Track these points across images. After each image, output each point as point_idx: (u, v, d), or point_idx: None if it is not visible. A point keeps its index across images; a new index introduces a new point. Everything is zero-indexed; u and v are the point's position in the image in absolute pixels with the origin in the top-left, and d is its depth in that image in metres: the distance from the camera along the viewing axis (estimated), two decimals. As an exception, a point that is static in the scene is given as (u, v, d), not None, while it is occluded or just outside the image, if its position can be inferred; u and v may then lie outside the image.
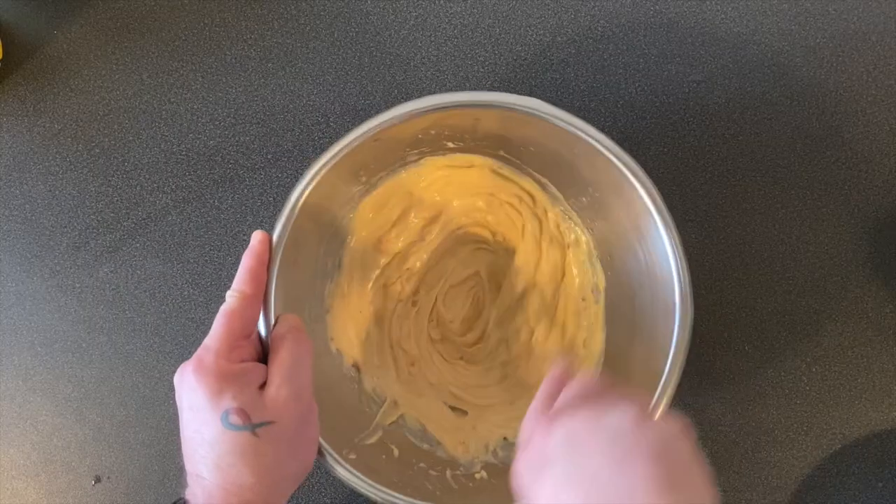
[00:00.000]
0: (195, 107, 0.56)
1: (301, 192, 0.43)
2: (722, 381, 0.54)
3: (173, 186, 0.56)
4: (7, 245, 0.55)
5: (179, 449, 0.39)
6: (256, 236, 0.42)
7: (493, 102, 0.44)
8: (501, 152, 0.50)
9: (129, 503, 0.54)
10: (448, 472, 0.47)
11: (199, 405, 0.37)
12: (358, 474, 0.42)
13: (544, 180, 0.51)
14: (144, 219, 0.56)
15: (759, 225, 0.55)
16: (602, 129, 0.43)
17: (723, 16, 0.57)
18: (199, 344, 0.38)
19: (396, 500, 0.42)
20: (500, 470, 0.48)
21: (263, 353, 0.41)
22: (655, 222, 0.43)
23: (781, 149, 0.56)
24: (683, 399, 0.53)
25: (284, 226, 0.43)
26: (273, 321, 0.42)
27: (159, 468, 0.54)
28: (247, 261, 0.41)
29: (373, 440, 0.48)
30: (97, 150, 0.56)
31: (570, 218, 0.52)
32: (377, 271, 0.52)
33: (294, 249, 0.44)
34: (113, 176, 0.56)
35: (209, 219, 0.56)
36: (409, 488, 0.43)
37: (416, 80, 0.56)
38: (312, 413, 0.41)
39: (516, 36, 0.57)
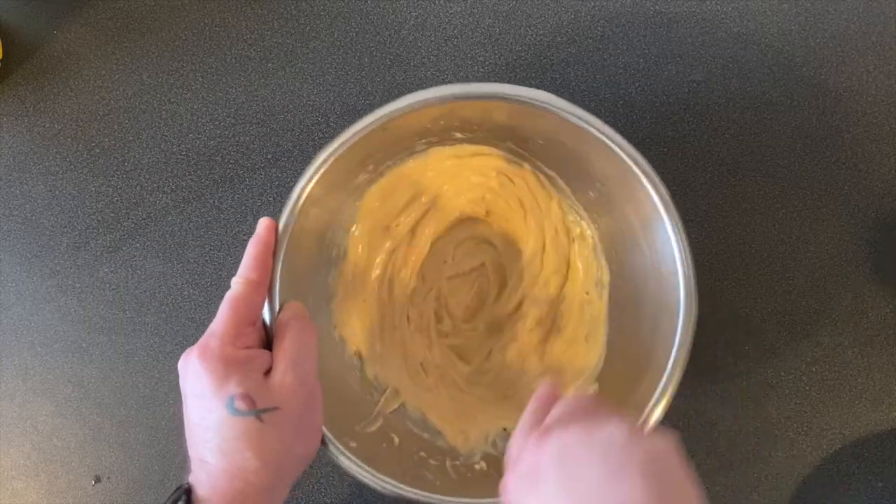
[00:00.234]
0: (195, 107, 0.56)
1: (308, 180, 0.43)
2: (722, 381, 0.54)
3: (173, 186, 0.56)
4: (7, 245, 0.55)
5: (182, 437, 0.39)
6: (262, 223, 0.42)
7: (507, 95, 0.44)
8: (510, 144, 0.50)
9: (129, 503, 0.54)
10: (448, 462, 0.48)
11: (203, 391, 0.37)
12: (359, 462, 0.43)
13: (552, 173, 0.51)
14: (144, 219, 0.56)
15: (759, 225, 0.55)
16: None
17: (723, 16, 0.57)
18: (200, 342, 0.38)
19: (396, 490, 0.42)
20: (500, 461, 0.48)
21: (268, 341, 0.41)
22: (663, 219, 0.43)
23: (781, 149, 0.56)
24: (683, 399, 0.53)
25: (291, 213, 0.43)
26: (277, 308, 0.42)
27: (159, 468, 0.54)
28: (252, 248, 0.41)
29: (374, 428, 0.48)
30: (97, 150, 0.56)
31: (576, 212, 0.52)
32: (382, 260, 0.52)
33: (300, 237, 0.44)
34: (113, 176, 0.56)
35: (209, 219, 0.56)
36: (408, 477, 0.43)
37: (416, 80, 0.56)
38: (317, 399, 0.41)
39: (516, 36, 0.57)
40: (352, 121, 0.44)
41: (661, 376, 0.42)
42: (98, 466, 0.54)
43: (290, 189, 0.43)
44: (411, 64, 0.56)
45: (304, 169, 0.44)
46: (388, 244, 0.52)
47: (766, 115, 0.56)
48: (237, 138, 0.56)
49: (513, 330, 0.53)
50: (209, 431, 0.37)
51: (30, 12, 0.57)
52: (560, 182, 0.51)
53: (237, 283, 0.40)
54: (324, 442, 0.42)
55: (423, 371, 0.52)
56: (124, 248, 0.55)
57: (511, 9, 0.57)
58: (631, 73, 0.56)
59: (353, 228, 0.51)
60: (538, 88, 0.56)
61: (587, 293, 0.52)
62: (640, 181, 0.43)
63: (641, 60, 0.56)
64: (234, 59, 0.57)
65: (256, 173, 0.56)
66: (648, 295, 0.47)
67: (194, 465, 0.38)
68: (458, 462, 0.48)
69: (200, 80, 0.57)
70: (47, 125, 0.56)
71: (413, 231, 0.53)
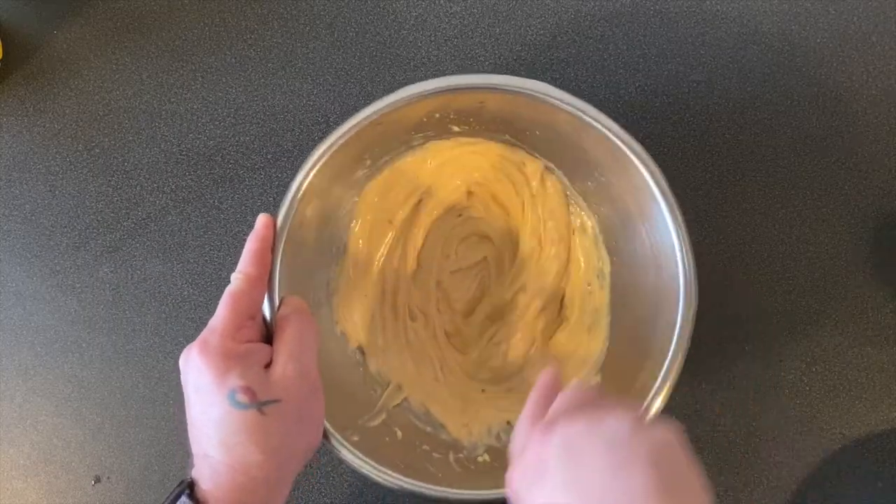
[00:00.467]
0: (195, 107, 0.56)
1: (305, 174, 0.43)
2: (722, 381, 0.54)
3: (173, 186, 0.56)
4: (7, 245, 0.55)
5: (183, 435, 0.39)
6: (261, 219, 0.43)
7: (500, 85, 0.44)
8: (507, 136, 0.50)
9: (129, 503, 0.54)
10: (451, 455, 0.48)
11: (205, 385, 0.37)
12: (361, 456, 0.43)
13: (550, 164, 0.51)
14: (144, 219, 0.56)
15: (759, 225, 0.55)
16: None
17: (723, 16, 0.57)
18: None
19: (399, 483, 0.42)
20: (504, 454, 0.48)
21: (268, 335, 0.41)
22: (660, 207, 0.43)
23: (781, 149, 0.56)
24: (683, 399, 0.54)
25: (289, 209, 0.43)
26: (277, 303, 0.42)
27: (159, 468, 0.54)
28: (251, 244, 0.42)
29: (376, 422, 0.48)
30: (97, 150, 0.56)
31: (575, 203, 0.52)
32: (383, 254, 0.52)
33: (299, 232, 0.44)
34: (113, 176, 0.56)
35: (209, 219, 0.56)
36: (411, 471, 0.43)
37: (416, 80, 0.56)
38: (318, 392, 0.41)
39: (516, 36, 0.57)
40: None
41: (663, 364, 0.42)
42: (98, 466, 0.54)
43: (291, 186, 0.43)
44: (411, 64, 0.56)
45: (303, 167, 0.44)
46: (388, 239, 0.52)
47: (766, 115, 0.56)
48: (237, 138, 0.56)
49: (514, 322, 0.53)
50: (211, 425, 0.37)
51: (30, 12, 0.57)
52: (558, 173, 0.51)
53: (236, 277, 0.40)
54: (326, 436, 0.42)
55: (426, 364, 0.52)
56: (124, 248, 0.55)
57: (511, 8, 0.57)
58: (631, 73, 0.56)
59: (353, 223, 0.51)
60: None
61: (588, 284, 0.52)
62: (636, 168, 0.43)
63: (641, 60, 0.56)
64: (234, 59, 0.57)
65: (256, 173, 0.56)
66: (649, 283, 0.47)
67: (197, 459, 0.38)
68: (461, 455, 0.48)
69: (200, 80, 0.57)
70: (47, 125, 0.56)
71: (414, 225, 0.53)
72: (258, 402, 0.37)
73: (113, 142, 0.56)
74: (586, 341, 0.52)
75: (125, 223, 0.56)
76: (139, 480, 0.54)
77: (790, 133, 0.56)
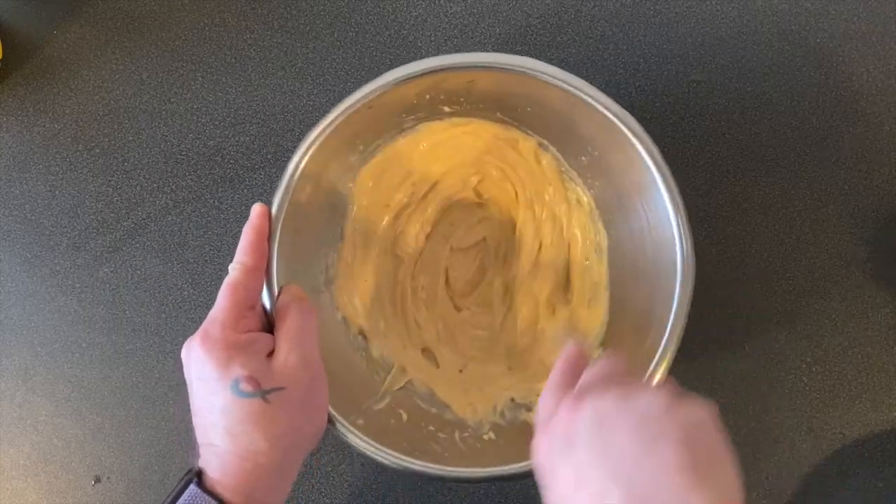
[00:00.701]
0: (195, 107, 0.56)
1: (298, 161, 0.44)
2: (722, 381, 0.54)
3: (173, 186, 0.56)
4: (7, 245, 0.55)
5: (181, 434, 0.39)
6: (255, 209, 0.43)
7: (488, 63, 0.44)
8: (498, 114, 0.50)
9: (129, 503, 0.54)
10: (457, 434, 0.48)
11: (207, 376, 0.37)
12: (367, 439, 0.43)
13: (544, 141, 0.51)
14: (144, 219, 0.56)
15: (759, 225, 0.55)
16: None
17: (723, 16, 0.57)
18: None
19: (406, 464, 0.43)
20: (508, 430, 0.49)
21: (268, 325, 0.42)
22: (654, 178, 0.43)
23: (781, 149, 0.56)
24: (683, 399, 0.54)
25: (283, 196, 0.43)
26: (276, 293, 0.42)
27: (159, 468, 0.54)
28: (247, 234, 0.42)
29: (381, 406, 0.48)
30: (97, 150, 0.56)
31: (570, 178, 0.52)
32: (380, 238, 0.52)
33: (294, 220, 0.44)
34: (113, 176, 0.56)
35: (209, 219, 0.56)
36: (417, 451, 0.43)
37: (416, 80, 0.56)
38: (321, 379, 0.41)
39: (516, 37, 0.57)
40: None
41: (663, 337, 0.42)
42: (98, 466, 0.54)
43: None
44: (411, 64, 0.56)
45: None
46: (385, 223, 0.52)
47: (765, 115, 0.56)
48: (237, 138, 0.56)
49: (516, 300, 0.53)
50: (216, 415, 0.37)
51: (30, 12, 0.57)
52: (552, 149, 0.51)
53: (234, 268, 0.41)
54: (331, 420, 0.42)
55: (429, 344, 0.52)
56: (124, 248, 0.55)
57: (510, 9, 0.57)
58: (630, 73, 0.56)
59: (350, 209, 0.51)
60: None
61: (587, 259, 0.52)
62: (629, 141, 0.43)
63: (641, 60, 0.56)
64: (234, 59, 0.57)
65: (256, 173, 0.56)
66: (647, 256, 0.47)
67: (202, 449, 0.38)
68: (466, 434, 0.48)
69: (200, 80, 0.57)
70: (47, 125, 0.56)
71: (411, 207, 0.53)
72: (262, 390, 0.37)
73: (113, 142, 0.56)
74: (586, 316, 0.52)
75: (125, 223, 0.56)
76: (139, 480, 0.54)
77: (790, 133, 0.56)
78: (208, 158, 0.56)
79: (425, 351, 0.52)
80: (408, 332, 0.52)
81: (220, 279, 0.55)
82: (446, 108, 0.50)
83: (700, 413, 0.32)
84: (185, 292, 0.55)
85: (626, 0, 0.57)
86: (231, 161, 0.56)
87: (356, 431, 0.43)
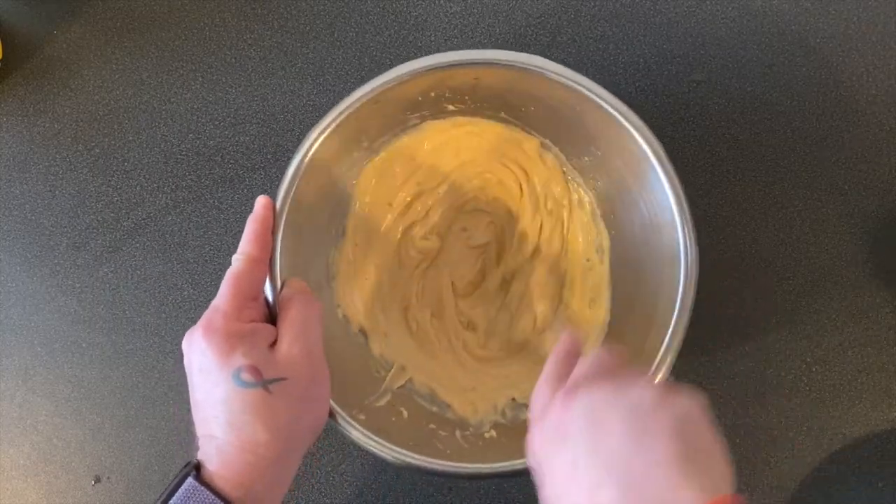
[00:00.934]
0: (195, 107, 0.56)
1: (303, 156, 0.44)
2: (722, 380, 0.54)
3: (173, 186, 0.56)
4: (7, 245, 0.55)
5: (184, 432, 0.39)
6: (260, 201, 0.42)
7: (494, 60, 0.44)
8: (502, 113, 0.50)
9: (129, 503, 0.54)
10: (458, 433, 0.48)
11: (209, 366, 0.37)
12: (369, 434, 0.43)
13: (546, 141, 0.51)
14: (144, 219, 0.56)
15: (759, 225, 0.55)
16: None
17: (723, 16, 0.57)
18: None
19: (407, 459, 0.42)
20: (509, 429, 0.49)
21: (270, 318, 0.42)
22: (657, 173, 0.43)
23: (781, 149, 0.56)
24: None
25: (287, 190, 0.43)
26: (279, 286, 0.42)
27: (159, 468, 0.54)
28: (251, 225, 0.42)
29: (382, 403, 0.48)
30: (97, 150, 0.56)
31: (572, 178, 0.52)
32: (382, 237, 0.52)
33: (298, 215, 0.44)
34: (113, 176, 0.56)
35: (209, 219, 0.56)
36: (419, 448, 0.43)
37: (416, 80, 0.56)
38: (324, 372, 0.41)
39: (516, 37, 0.57)
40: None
41: (666, 335, 0.42)
42: (98, 466, 0.54)
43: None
44: (411, 64, 0.56)
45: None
46: (387, 220, 0.52)
47: (766, 115, 0.56)
48: (237, 138, 0.56)
49: (518, 300, 0.53)
50: (217, 406, 0.37)
51: (30, 12, 0.57)
52: (555, 149, 0.51)
53: (237, 259, 0.40)
54: (332, 415, 0.42)
55: (429, 344, 0.52)
56: (124, 248, 0.55)
57: (511, 8, 0.57)
58: (631, 73, 0.56)
59: (352, 205, 0.51)
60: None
61: (588, 259, 0.52)
62: (632, 137, 0.43)
63: (641, 60, 0.56)
64: (234, 59, 0.57)
65: (256, 173, 0.56)
66: (649, 254, 0.47)
67: (202, 441, 0.38)
68: (467, 432, 0.48)
69: (200, 80, 0.57)
70: (47, 125, 0.56)
71: (413, 205, 0.53)
72: (264, 380, 0.37)
73: (113, 142, 0.56)
74: (588, 316, 0.52)
75: (125, 223, 0.56)
76: (139, 480, 0.54)
77: (790, 133, 0.56)
78: (208, 158, 0.56)
79: (425, 350, 0.52)
80: (408, 331, 0.52)
81: (220, 279, 0.55)
82: (451, 107, 0.50)
83: (691, 405, 0.32)
84: (185, 292, 0.55)
85: (626, 0, 0.57)
86: (231, 161, 0.56)
87: (357, 426, 0.43)
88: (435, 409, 0.50)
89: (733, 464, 0.32)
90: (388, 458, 0.43)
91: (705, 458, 0.31)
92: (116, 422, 0.54)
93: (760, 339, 0.54)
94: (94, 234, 0.55)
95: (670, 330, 0.43)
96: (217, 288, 0.55)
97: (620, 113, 0.43)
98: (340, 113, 0.44)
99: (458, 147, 0.52)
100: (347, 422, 0.43)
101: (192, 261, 0.55)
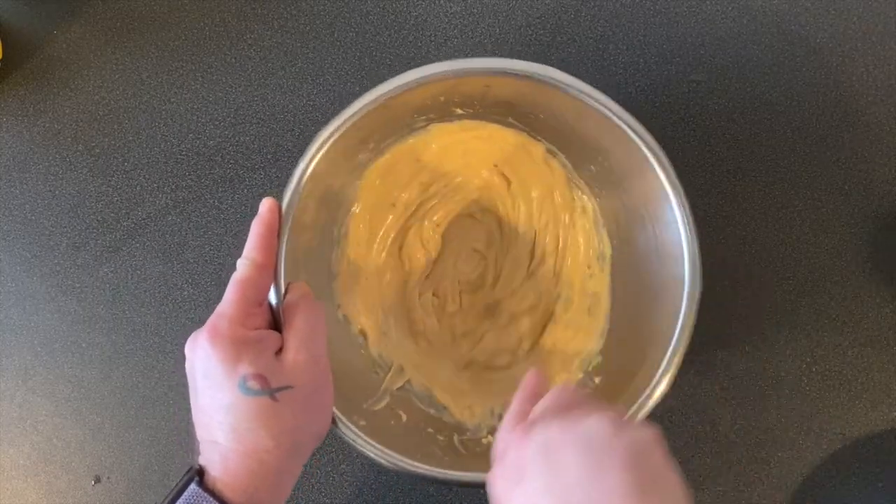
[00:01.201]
0: (195, 107, 0.56)
1: (310, 160, 0.43)
2: (722, 381, 0.54)
3: (173, 186, 0.56)
4: (7, 245, 0.55)
5: (184, 433, 0.39)
6: (265, 203, 0.42)
7: (508, 70, 0.44)
8: (510, 119, 0.50)
9: (129, 503, 0.54)
10: (455, 437, 0.48)
11: (213, 372, 0.37)
12: (368, 440, 0.43)
13: (552, 147, 0.51)
14: (144, 219, 0.56)
15: (759, 225, 0.55)
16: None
17: (723, 16, 0.57)
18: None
19: (407, 466, 0.43)
20: None
21: (274, 323, 0.41)
22: (667, 194, 0.43)
23: (781, 149, 0.56)
24: (683, 399, 0.54)
25: (293, 194, 0.43)
26: (284, 289, 0.42)
27: (159, 468, 0.54)
28: (256, 228, 0.41)
29: (381, 406, 0.48)
30: (97, 150, 0.56)
31: (577, 186, 0.52)
32: (384, 237, 0.52)
33: (302, 217, 0.44)
34: (113, 176, 0.56)
35: (209, 219, 0.56)
36: (418, 454, 0.43)
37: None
38: (328, 378, 0.41)
39: (516, 36, 0.57)
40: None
41: (667, 349, 0.42)
42: (98, 466, 0.54)
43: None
44: (411, 65, 0.56)
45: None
46: (390, 222, 0.52)
47: (766, 115, 0.56)
48: (237, 138, 0.56)
49: (517, 304, 0.53)
50: (221, 412, 0.37)
51: (30, 12, 0.57)
52: (561, 156, 0.51)
53: (243, 264, 0.40)
54: (334, 421, 0.42)
55: (428, 346, 0.52)
56: (124, 248, 0.55)
57: (511, 9, 0.57)
58: (631, 73, 0.56)
59: (355, 207, 0.51)
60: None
61: (588, 267, 0.52)
62: (644, 156, 0.43)
63: (641, 60, 0.56)
64: (234, 59, 0.57)
65: (256, 173, 0.56)
66: (651, 268, 0.47)
67: (205, 446, 0.38)
68: (465, 437, 0.48)
69: (200, 80, 0.57)
70: (47, 125, 0.56)
71: (416, 207, 0.53)
72: (270, 388, 0.37)
73: (113, 142, 0.56)
74: (587, 324, 0.52)
75: (125, 223, 0.56)
76: (139, 480, 0.54)
77: (790, 133, 0.56)
78: (208, 158, 0.56)
79: (425, 350, 0.52)
80: (408, 332, 0.52)
81: (221, 279, 0.55)
82: (459, 111, 0.50)
83: (645, 436, 0.32)
84: (185, 292, 0.55)
85: (626, 0, 0.57)
86: (231, 161, 0.56)
87: (358, 432, 0.43)
88: (433, 411, 0.50)
89: (691, 493, 0.32)
90: (389, 465, 0.43)
91: (660, 487, 0.31)
92: (116, 422, 0.54)
93: (760, 339, 0.54)
94: (94, 234, 0.55)
95: (671, 345, 0.42)
96: (217, 288, 0.55)
97: (632, 129, 0.43)
98: (349, 117, 0.43)
99: (464, 150, 0.52)
100: (349, 428, 0.43)
101: (192, 261, 0.55)
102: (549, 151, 0.51)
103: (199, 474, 0.37)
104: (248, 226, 0.55)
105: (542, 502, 0.31)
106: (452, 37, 0.57)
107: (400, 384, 0.50)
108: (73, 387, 0.54)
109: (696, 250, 0.43)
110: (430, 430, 0.48)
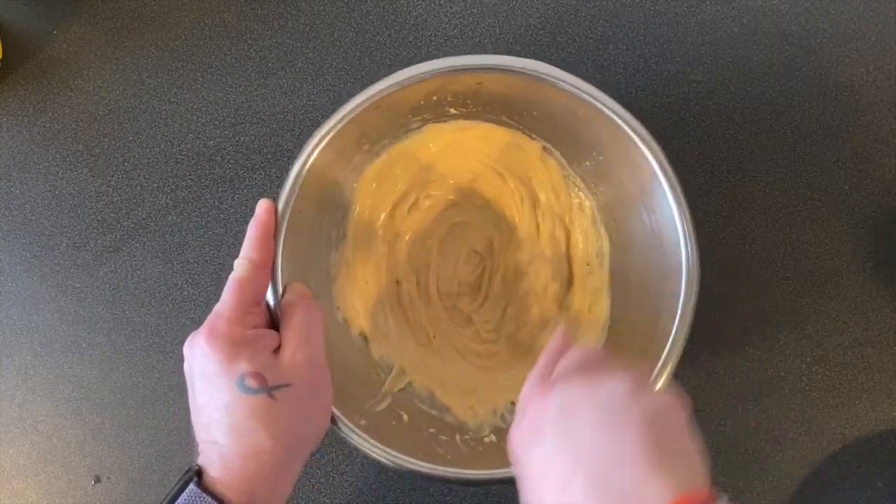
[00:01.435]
0: (195, 107, 0.56)
1: (304, 161, 0.43)
2: (722, 380, 0.54)
3: (173, 186, 0.56)
4: (7, 245, 0.55)
5: (184, 433, 0.39)
6: (262, 205, 0.42)
7: (498, 66, 0.44)
8: (504, 118, 0.50)
9: (129, 503, 0.54)
10: (458, 437, 0.48)
11: (212, 371, 0.37)
12: (369, 440, 0.43)
13: (548, 145, 0.51)
14: (144, 219, 0.56)
15: (759, 225, 0.55)
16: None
17: (723, 15, 0.57)
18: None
19: (408, 464, 0.42)
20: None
21: (272, 323, 0.42)
22: (661, 185, 0.43)
23: (781, 149, 0.56)
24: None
25: (289, 195, 0.43)
26: (281, 290, 0.42)
27: (159, 468, 0.54)
28: (253, 229, 0.42)
29: (382, 407, 0.48)
30: (97, 150, 0.56)
31: (573, 183, 0.52)
32: (382, 238, 0.52)
33: (299, 219, 0.44)
34: (113, 176, 0.56)
35: (209, 219, 0.56)
36: (420, 453, 0.43)
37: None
38: (326, 377, 0.41)
39: (516, 36, 0.57)
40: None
41: (666, 343, 0.42)
42: (98, 466, 0.54)
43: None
44: (411, 64, 0.56)
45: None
46: (388, 222, 0.52)
47: (765, 114, 0.56)
48: (237, 138, 0.56)
49: (517, 304, 0.53)
50: (220, 412, 0.37)
51: (30, 12, 0.57)
52: (556, 154, 0.51)
53: (240, 264, 0.40)
54: (334, 421, 0.42)
55: (429, 347, 0.52)
56: (124, 248, 0.55)
57: (511, 8, 0.57)
58: (631, 73, 0.56)
59: (353, 208, 0.51)
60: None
61: (588, 264, 0.52)
62: (637, 147, 0.43)
63: (641, 60, 0.56)
64: (234, 59, 0.57)
65: (256, 173, 0.56)
66: (650, 262, 0.47)
67: (203, 447, 0.38)
68: (467, 436, 0.48)
69: (200, 80, 0.57)
70: (47, 125, 0.56)
71: (412, 211, 0.53)
72: (268, 386, 0.37)
73: (113, 142, 0.56)
74: (587, 320, 0.52)
75: (125, 223, 0.56)
76: (139, 480, 0.54)
77: (790, 133, 0.56)
78: (208, 158, 0.56)
79: (425, 351, 0.52)
80: (408, 332, 0.52)
81: (221, 279, 0.55)
82: (452, 111, 0.50)
83: (665, 401, 0.32)
84: (185, 292, 0.55)
85: (626, 0, 0.57)
86: (231, 161, 0.56)
87: (359, 432, 0.43)
88: (434, 412, 0.50)
89: (708, 459, 0.32)
90: (390, 463, 0.43)
91: (676, 452, 0.31)
92: (116, 422, 0.54)
93: (760, 339, 0.54)
94: (94, 234, 0.55)
95: (671, 339, 0.43)
96: (217, 288, 0.55)
97: (624, 121, 0.43)
98: (343, 117, 0.43)
99: (460, 150, 0.52)
100: (350, 428, 0.43)
101: (192, 261, 0.55)
102: (544, 149, 0.51)
103: (198, 475, 0.37)
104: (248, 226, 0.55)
105: (557, 460, 0.31)
106: (452, 37, 0.57)
107: (401, 386, 0.50)
108: (73, 387, 0.54)
109: (691, 229, 0.43)
110: (431, 430, 0.48)
